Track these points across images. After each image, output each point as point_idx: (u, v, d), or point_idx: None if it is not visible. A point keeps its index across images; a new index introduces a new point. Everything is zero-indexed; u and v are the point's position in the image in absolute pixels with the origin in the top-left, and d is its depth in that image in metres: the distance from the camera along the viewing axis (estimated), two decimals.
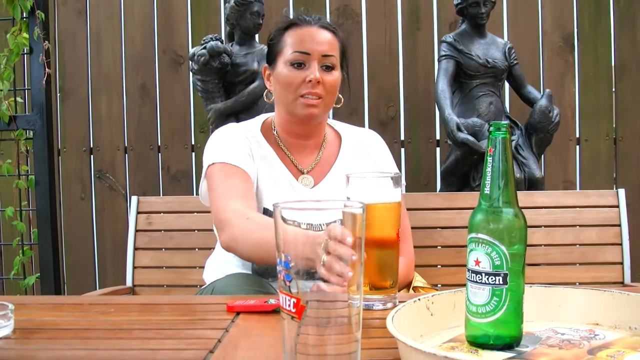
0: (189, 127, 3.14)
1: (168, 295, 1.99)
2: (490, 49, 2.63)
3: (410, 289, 1.55)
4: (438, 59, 2.72)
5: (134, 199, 2.11)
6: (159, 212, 2.10)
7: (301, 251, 0.74)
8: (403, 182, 1.54)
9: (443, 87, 2.59)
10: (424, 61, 3.06)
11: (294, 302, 0.73)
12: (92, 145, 3.17)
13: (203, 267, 1.70)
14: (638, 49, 3.01)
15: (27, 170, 2.61)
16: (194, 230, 2.08)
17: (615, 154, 3.04)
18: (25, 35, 2.41)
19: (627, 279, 1.95)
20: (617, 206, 1.99)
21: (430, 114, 3.03)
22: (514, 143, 2.59)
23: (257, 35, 2.75)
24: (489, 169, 0.86)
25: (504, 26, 3.02)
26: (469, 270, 0.86)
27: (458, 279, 1.93)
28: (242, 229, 1.34)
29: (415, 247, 1.63)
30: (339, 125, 1.70)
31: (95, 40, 3.15)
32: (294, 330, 0.73)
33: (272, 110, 1.64)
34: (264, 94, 1.63)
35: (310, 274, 0.75)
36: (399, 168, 2.51)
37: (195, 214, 2.08)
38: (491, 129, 0.86)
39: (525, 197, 2.01)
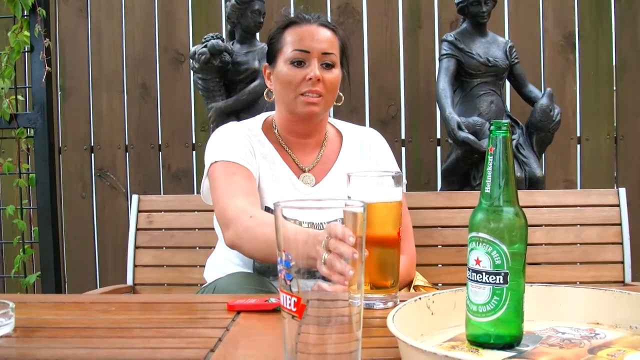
0: (190, 125, 3.14)
1: (169, 294, 1.99)
2: (491, 47, 2.63)
3: (411, 288, 1.56)
4: (439, 58, 2.71)
5: (135, 197, 2.11)
6: (160, 211, 2.09)
7: (302, 250, 0.74)
8: (404, 181, 1.54)
9: (444, 86, 2.59)
10: (425, 60, 3.05)
11: (294, 301, 0.73)
12: (92, 144, 3.17)
13: (204, 266, 1.70)
14: (639, 47, 3.01)
15: (28, 168, 2.62)
16: (194, 229, 2.07)
17: (616, 153, 3.04)
18: (26, 33, 2.41)
19: (628, 278, 1.95)
20: (618, 205, 1.99)
21: (431, 112, 3.03)
22: (514, 142, 2.59)
23: (258, 34, 2.75)
24: (489, 168, 0.86)
25: (505, 25, 3.02)
26: (469, 269, 0.86)
27: (458, 278, 1.93)
28: (247, 227, 1.33)
29: (415, 246, 1.63)
30: (340, 124, 1.70)
31: (96, 38, 3.15)
32: (295, 329, 0.73)
33: (273, 109, 1.64)
34: (265, 93, 1.63)
35: (311, 273, 0.75)
36: (400, 167, 2.51)
37: (196, 212, 2.08)
38: (492, 127, 0.86)
39: (525, 196, 2.01)
